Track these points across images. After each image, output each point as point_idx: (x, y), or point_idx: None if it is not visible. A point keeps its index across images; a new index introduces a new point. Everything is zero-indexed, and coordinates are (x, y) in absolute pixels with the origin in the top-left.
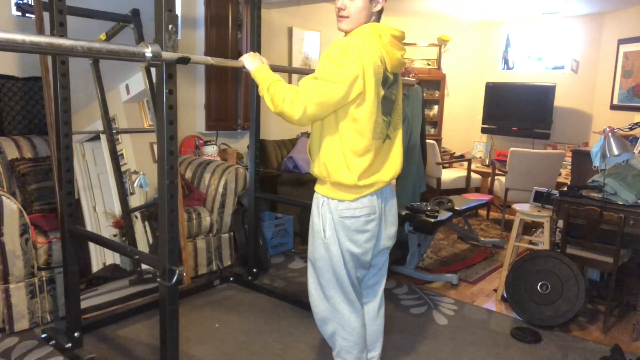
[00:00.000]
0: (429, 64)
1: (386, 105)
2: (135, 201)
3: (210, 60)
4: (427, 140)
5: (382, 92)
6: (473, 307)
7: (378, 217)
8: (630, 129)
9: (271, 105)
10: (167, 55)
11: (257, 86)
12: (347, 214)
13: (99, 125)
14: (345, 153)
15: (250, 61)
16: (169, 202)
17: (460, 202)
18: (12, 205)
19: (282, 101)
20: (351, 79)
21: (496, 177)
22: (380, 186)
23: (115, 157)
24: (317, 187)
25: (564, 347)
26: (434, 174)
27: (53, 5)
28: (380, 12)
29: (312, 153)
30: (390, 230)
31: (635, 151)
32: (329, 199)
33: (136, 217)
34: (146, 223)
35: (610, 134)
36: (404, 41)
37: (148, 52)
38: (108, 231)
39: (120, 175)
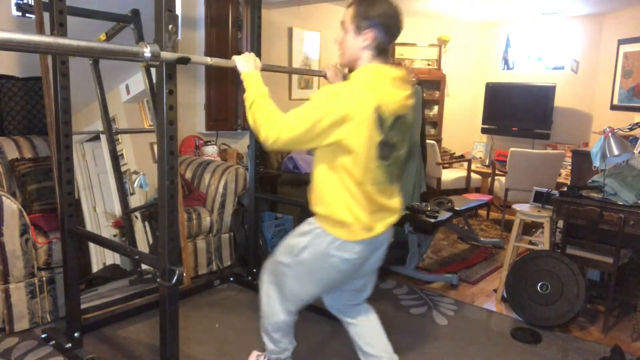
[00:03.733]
0: (429, 64)
1: (384, 150)
2: (135, 201)
3: (209, 60)
4: (427, 141)
5: (378, 137)
6: (473, 307)
7: (362, 261)
8: (630, 129)
9: (250, 119)
10: (166, 55)
11: (244, 90)
12: (335, 253)
13: (99, 126)
14: (342, 193)
15: (243, 63)
16: (169, 202)
17: (460, 203)
18: (12, 205)
19: (262, 122)
20: (327, 123)
21: (496, 178)
22: (374, 234)
23: (115, 157)
24: (317, 219)
25: (564, 347)
26: (434, 174)
27: (53, 6)
28: (380, 49)
29: (314, 191)
30: (369, 266)
31: (635, 151)
32: (326, 232)
33: (136, 217)
34: (146, 223)
35: (610, 134)
36: (407, 42)
37: (147, 52)
38: (108, 231)
39: (120, 176)
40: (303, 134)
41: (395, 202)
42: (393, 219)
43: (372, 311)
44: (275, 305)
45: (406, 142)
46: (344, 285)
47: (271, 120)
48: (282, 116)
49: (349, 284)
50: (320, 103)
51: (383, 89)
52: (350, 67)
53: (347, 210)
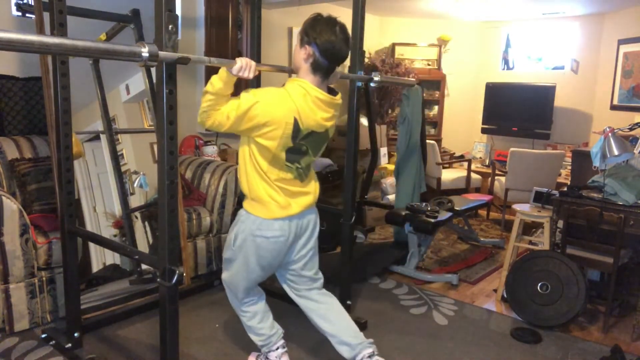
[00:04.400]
0: (429, 64)
1: (293, 155)
2: (135, 201)
3: (207, 61)
4: (427, 141)
5: (290, 144)
6: (473, 307)
7: (287, 239)
8: (630, 129)
9: (203, 102)
10: (165, 55)
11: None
12: (258, 233)
13: (99, 126)
14: (256, 175)
15: (236, 69)
16: (169, 202)
17: (460, 203)
18: (12, 205)
19: (205, 110)
20: (249, 126)
21: (496, 178)
22: (291, 213)
23: (115, 157)
24: (243, 202)
25: (564, 347)
26: (434, 174)
27: (53, 6)
28: (315, 67)
29: (239, 171)
30: (302, 247)
31: (636, 151)
32: (248, 213)
33: (136, 217)
34: (146, 223)
35: (610, 134)
36: (407, 42)
37: (145, 52)
38: (108, 231)
39: (120, 176)
40: (226, 130)
41: (309, 187)
42: (308, 198)
43: (331, 295)
44: (233, 298)
45: (318, 151)
46: (289, 272)
47: (213, 115)
48: (217, 114)
49: (293, 268)
50: (246, 106)
51: (305, 105)
52: (296, 71)
53: (263, 190)
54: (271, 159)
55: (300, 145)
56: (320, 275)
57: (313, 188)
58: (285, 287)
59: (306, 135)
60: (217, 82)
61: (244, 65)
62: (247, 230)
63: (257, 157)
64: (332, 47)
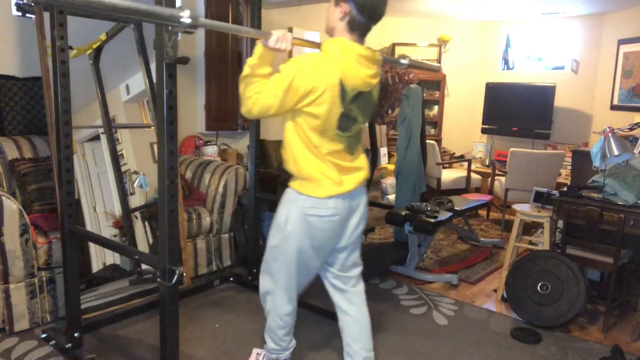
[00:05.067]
0: None
1: (344, 122)
2: (135, 201)
3: (243, 31)
4: (427, 141)
5: (339, 110)
6: (473, 307)
7: (341, 218)
8: (630, 129)
9: (241, 87)
10: (204, 21)
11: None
12: (311, 212)
13: (98, 123)
14: (306, 151)
15: (274, 40)
16: (169, 203)
17: (460, 203)
18: (12, 205)
19: (249, 96)
20: (296, 98)
21: (496, 178)
22: (345, 190)
23: (116, 157)
24: (290, 182)
25: (564, 347)
26: (434, 175)
27: (53, 6)
28: (352, 25)
29: (285, 150)
30: (353, 230)
31: (636, 151)
32: (299, 193)
33: (136, 217)
34: (146, 223)
35: (610, 134)
36: (407, 42)
37: (186, 16)
38: (108, 231)
39: (120, 175)
40: (276, 110)
41: (359, 161)
42: (361, 174)
43: (362, 296)
44: (277, 295)
45: (367, 116)
46: (333, 257)
47: (258, 100)
48: (262, 96)
49: (341, 256)
50: (289, 78)
51: (347, 63)
52: (329, 35)
53: (314, 167)
54: (322, 129)
55: (350, 110)
56: (360, 260)
57: (363, 163)
58: (326, 280)
59: (354, 98)
60: (253, 59)
61: (281, 37)
62: (299, 211)
63: (307, 130)
64: (370, 3)
